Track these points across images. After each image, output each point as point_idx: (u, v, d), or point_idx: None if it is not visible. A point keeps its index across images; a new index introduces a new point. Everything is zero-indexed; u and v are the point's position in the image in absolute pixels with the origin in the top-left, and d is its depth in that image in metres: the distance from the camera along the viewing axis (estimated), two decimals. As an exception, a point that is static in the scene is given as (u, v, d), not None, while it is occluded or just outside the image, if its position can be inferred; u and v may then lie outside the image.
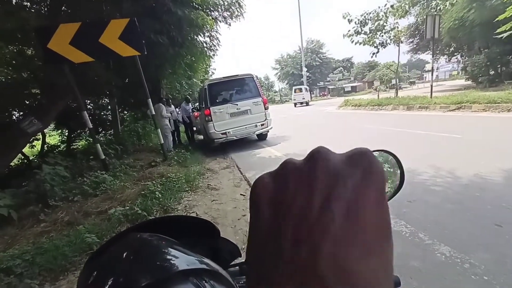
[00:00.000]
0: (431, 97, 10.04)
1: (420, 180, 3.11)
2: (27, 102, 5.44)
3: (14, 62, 5.13)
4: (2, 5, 4.34)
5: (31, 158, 6.63)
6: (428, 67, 44.12)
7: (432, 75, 12.50)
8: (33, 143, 7.10)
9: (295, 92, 23.38)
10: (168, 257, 0.39)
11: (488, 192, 2.57)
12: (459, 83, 22.73)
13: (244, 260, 0.59)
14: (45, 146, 7.27)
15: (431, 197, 2.66)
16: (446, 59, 28.38)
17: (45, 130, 6.81)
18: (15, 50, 5.24)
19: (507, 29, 9.35)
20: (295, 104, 23.49)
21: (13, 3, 4.88)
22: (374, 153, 0.51)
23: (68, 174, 3.99)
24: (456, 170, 3.21)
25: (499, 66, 15.43)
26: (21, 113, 5.46)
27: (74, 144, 8.15)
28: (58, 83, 4.57)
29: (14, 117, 5.46)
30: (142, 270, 0.34)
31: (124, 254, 0.40)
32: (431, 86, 10.83)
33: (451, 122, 6.69)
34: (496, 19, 9.57)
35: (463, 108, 7.90)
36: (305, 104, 23.11)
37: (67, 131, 7.89)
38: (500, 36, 9.62)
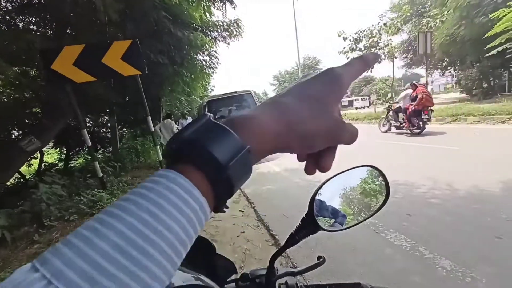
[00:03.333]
0: (427, 110, 10.19)
1: (419, 193, 3.10)
2: (28, 121, 5.49)
3: (17, 82, 5.26)
4: (10, 29, 4.52)
5: (27, 177, 6.59)
6: (422, 80, 45.10)
7: (426, 88, 12.75)
8: (31, 162, 7.09)
9: None
10: None
11: (487, 204, 2.56)
12: (454, 96, 23.14)
13: (240, 276, 0.60)
14: (43, 164, 7.25)
15: (430, 210, 2.65)
16: (439, 73, 29.06)
17: (43, 148, 6.84)
18: (18, 71, 5.39)
19: (496, 44, 9.69)
20: None
21: (20, 27, 5.08)
22: (362, 168, 0.54)
23: (64, 193, 3.97)
24: (454, 183, 3.20)
25: (491, 79, 15.81)
26: (20, 132, 5.51)
27: (72, 162, 8.14)
28: (59, 102, 4.65)
29: (14, 136, 5.51)
30: None
31: None
32: (426, 99, 11.03)
33: (447, 134, 6.75)
34: (485, 36, 9.94)
35: (458, 121, 8.01)
36: None
37: (65, 149, 7.90)
38: (491, 52, 9.95)
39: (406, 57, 26.41)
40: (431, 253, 1.92)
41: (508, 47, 9.38)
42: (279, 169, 5.59)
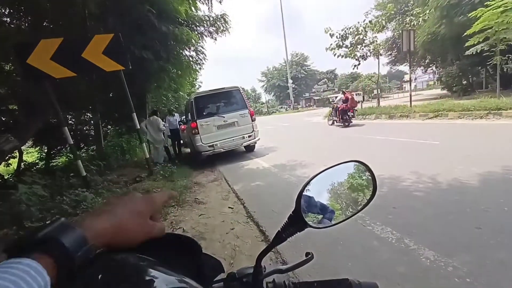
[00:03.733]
0: (410, 106, 10.52)
1: (403, 187, 3.20)
2: (3, 119, 5.21)
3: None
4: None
5: (6, 177, 6.28)
6: (406, 77, 46.39)
7: (410, 85, 13.15)
8: (9, 161, 6.75)
9: None
10: (147, 278, 0.38)
11: (467, 196, 2.67)
12: (436, 93, 24.00)
13: (226, 276, 0.58)
14: (22, 164, 6.93)
15: (414, 202, 2.74)
16: (422, 70, 30.07)
17: (22, 147, 6.52)
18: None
19: (475, 43, 10.08)
20: None
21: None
22: (349, 163, 0.53)
23: (46, 193, 3.80)
24: (436, 176, 3.33)
25: (470, 76, 16.50)
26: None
27: (53, 161, 7.82)
28: (37, 99, 4.43)
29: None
30: None
31: (99, 277, 0.39)
32: (410, 95, 11.38)
33: (430, 129, 7.00)
34: (464, 34, 10.31)
35: (440, 116, 8.31)
36: None
37: (46, 147, 7.58)
38: (470, 51, 10.34)
39: (390, 54, 27.03)
40: (415, 244, 1.99)
41: (485, 46, 9.79)
42: (268, 165, 5.60)
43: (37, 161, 7.91)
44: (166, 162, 6.66)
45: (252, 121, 6.85)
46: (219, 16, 7.28)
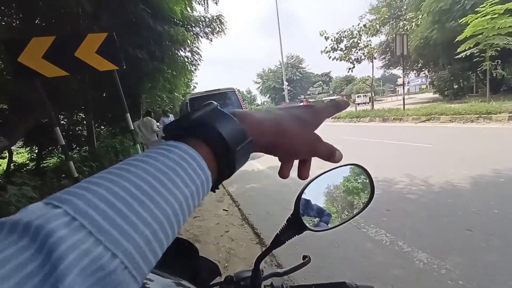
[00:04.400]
0: (403, 109, 10.69)
1: (397, 189, 3.24)
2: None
3: (-21, 76, 4.84)
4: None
5: (-6, 178, 6.11)
6: (400, 81, 47.20)
7: (403, 89, 13.36)
8: (-3, 162, 6.59)
9: None
10: (144, 280, 0.37)
11: (459, 198, 2.72)
12: (428, 96, 24.45)
13: (224, 279, 0.58)
14: (12, 164, 6.76)
15: (408, 205, 2.77)
16: (415, 73, 30.59)
17: (12, 148, 6.36)
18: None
19: (465, 48, 10.32)
20: None
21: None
22: (346, 167, 0.53)
23: (36, 195, 3.71)
24: (429, 179, 3.38)
25: (461, 80, 16.85)
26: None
27: (44, 162, 7.65)
28: (28, 98, 4.34)
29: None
30: None
31: None
32: (403, 99, 11.57)
33: (422, 132, 7.12)
34: (455, 40, 10.55)
35: (432, 120, 8.46)
36: None
37: (37, 148, 7.41)
38: (460, 55, 10.58)
39: (384, 58, 27.46)
40: (409, 246, 2.01)
41: (475, 51, 10.04)
42: (263, 167, 5.60)
43: (27, 161, 7.73)
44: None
45: (248, 122, 6.85)
46: (215, 17, 7.28)
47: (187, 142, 0.21)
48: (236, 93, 7.01)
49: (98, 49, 3.97)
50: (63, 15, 4.78)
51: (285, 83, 40.49)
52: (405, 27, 13.88)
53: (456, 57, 11.15)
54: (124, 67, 4.24)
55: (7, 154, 6.43)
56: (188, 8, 6.55)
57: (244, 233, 2.79)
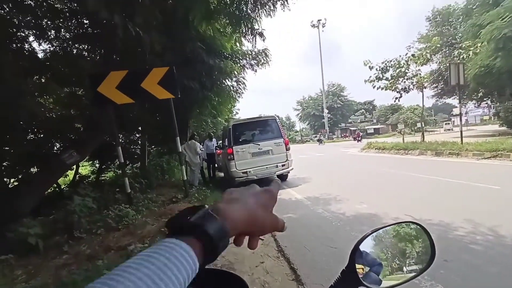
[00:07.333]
0: (461, 142, 9.58)
1: (456, 237, 2.83)
2: (70, 136, 5.98)
3: (65, 101, 5.86)
4: (66, 55, 5.15)
5: (62, 187, 7.05)
6: (455, 111, 42.84)
7: (460, 120, 12.06)
8: (66, 173, 7.58)
9: None
10: None
11: None
12: (492, 129, 21.61)
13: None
14: (77, 176, 7.74)
15: (471, 257, 2.39)
16: (475, 104, 27.58)
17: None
18: (67, 91, 6.02)
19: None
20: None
21: (74, 53, 5.77)
22: (405, 223, 0.52)
23: (95, 206, 4.16)
24: (499, 228, 2.89)
25: (535, 112, 14.63)
26: (61, 145, 6.00)
27: (103, 175, 8.59)
28: (100, 120, 5.07)
29: (55, 148, 6.00)
30: None
31: None
32: (461, 131, 10.40)
33: (486, 171, 6.23)
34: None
35: (499, 156, 7.38)
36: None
37: (98, 163, 8.41)
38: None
39: (436, 87, 25.55)
40: None
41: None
42: (301, 197, 5.45)
43: (89, 174, 8.78)
44: (201, 185, 6.89)
45: (287, 150, 6.87)
46: (261, 51, 7.79)
47: (185, 240, 0.28)
48: (277, 121, 7.17)
49: (160, 81, 4.56)
50: (135, 52, 5.64)
51: (325, 110, 40.11)
52: (461, 56, 12.92)
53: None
54: (179, 96, 4.75)
55: (74, 167, 7.41)
56: (237, 43, 7.17)
57: (279, 266, 2.70)
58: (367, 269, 0.51)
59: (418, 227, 0.51)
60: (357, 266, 0.51)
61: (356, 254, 0.50)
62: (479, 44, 12.97)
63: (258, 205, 0.38)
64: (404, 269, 0.51)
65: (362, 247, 0.51)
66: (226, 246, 0.32)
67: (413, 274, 0.50)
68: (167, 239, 0.28)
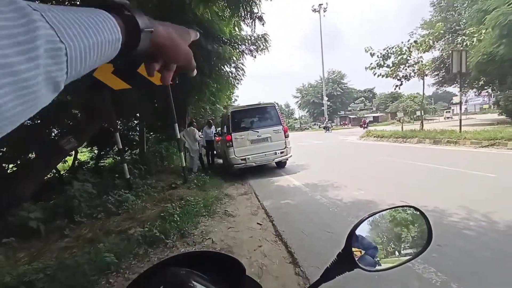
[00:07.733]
0: (460, 131, 9.60)
1: (450, 222, 2.90)
2: (68, 122, 5.93)
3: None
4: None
5: (62, 172, 7.07)
6: (455, 99, 42.67)
7: (460, 108, 12.02)
8: (65, 159, 7.59)
9: None
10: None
11: None
12: (491, 117, 21.60)
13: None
14: (76, 162, 7.76)
15: (465, 242, 2.45)
16: (475, 92, 27.38)
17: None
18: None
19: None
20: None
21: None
22: (402, 207, 0.52)
23: (95, 191, 4.20)
24: (493, 214, 2.95)
25: (535, 101, 14.57)
26: (59, 131, 5.96)
27: (102, 161, 8.61)
28: (97, 106, 5.01)
29: (53, 134, 5.97)
30: None
31: None
32: (460, 119, 10.39)
33: (484, 159, 6.28)
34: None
35: (497, 145, 7.42)
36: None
37: (97, 149, 8.40)
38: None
39: (437, 75, 25.24)
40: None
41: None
42: (299, 183, 5.51)
43: (88, 160, 8.80)
44: (200, 171, 6.93)
45: (285, 137, 6.86)
46: (260, 36, 7.60)
47: (110, 13, 0.28)
48: (276, 108, 7.12)
49: (156, 66, 4.47)
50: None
51: (325, 98, 39.76)
52: (464, 43, 12.68)
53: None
54: (177, 82, 4.67)
55: (73, 153, 7.41)
56: (236, 28, 6.97)
57: (277, 250, 2.76)
58: (363, 252, 0.52)
59: (415, 211, 0.51)
60: (353, 249, 0.51)
61: (352, 238, 0.50)
62: (483, 31, 12.69)
63: (178, 33, 0.39)
64: (400, 252, 0.52)
65: (358, 232, 0.51)
66: (147, 42, 0.33)
67: (408, 257, 0.51)
68: (91, 8, 0.28)
